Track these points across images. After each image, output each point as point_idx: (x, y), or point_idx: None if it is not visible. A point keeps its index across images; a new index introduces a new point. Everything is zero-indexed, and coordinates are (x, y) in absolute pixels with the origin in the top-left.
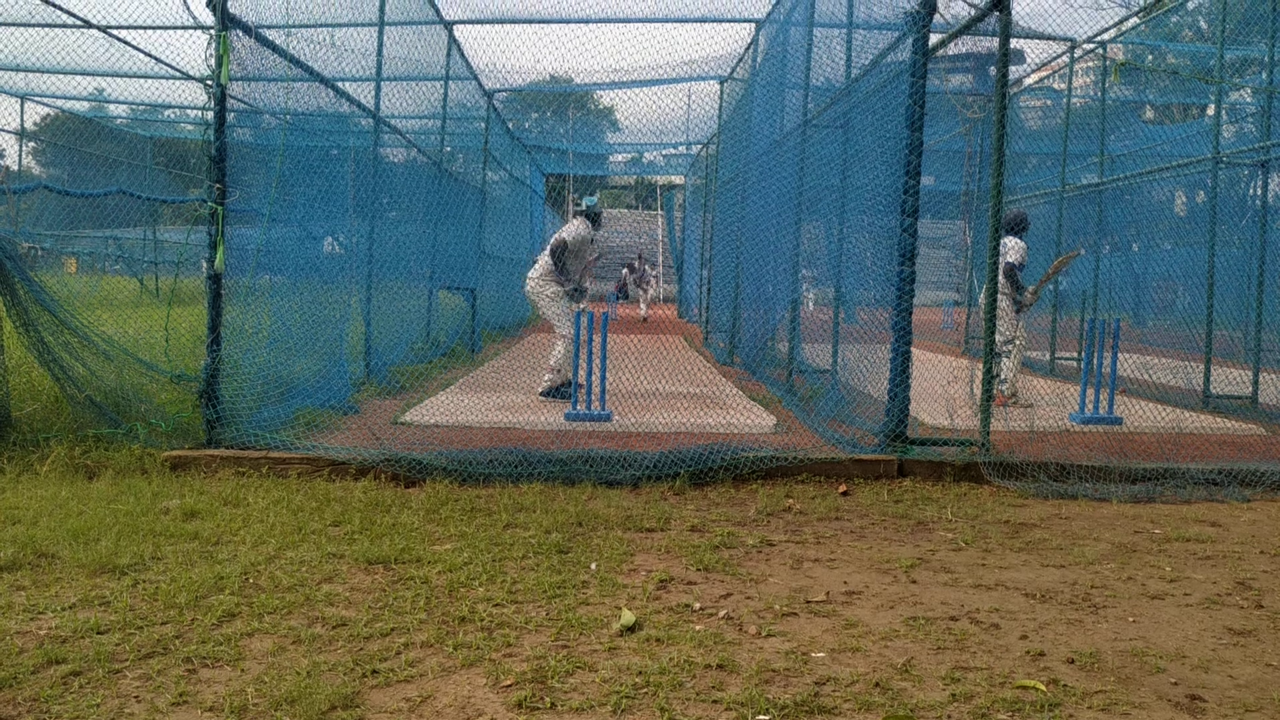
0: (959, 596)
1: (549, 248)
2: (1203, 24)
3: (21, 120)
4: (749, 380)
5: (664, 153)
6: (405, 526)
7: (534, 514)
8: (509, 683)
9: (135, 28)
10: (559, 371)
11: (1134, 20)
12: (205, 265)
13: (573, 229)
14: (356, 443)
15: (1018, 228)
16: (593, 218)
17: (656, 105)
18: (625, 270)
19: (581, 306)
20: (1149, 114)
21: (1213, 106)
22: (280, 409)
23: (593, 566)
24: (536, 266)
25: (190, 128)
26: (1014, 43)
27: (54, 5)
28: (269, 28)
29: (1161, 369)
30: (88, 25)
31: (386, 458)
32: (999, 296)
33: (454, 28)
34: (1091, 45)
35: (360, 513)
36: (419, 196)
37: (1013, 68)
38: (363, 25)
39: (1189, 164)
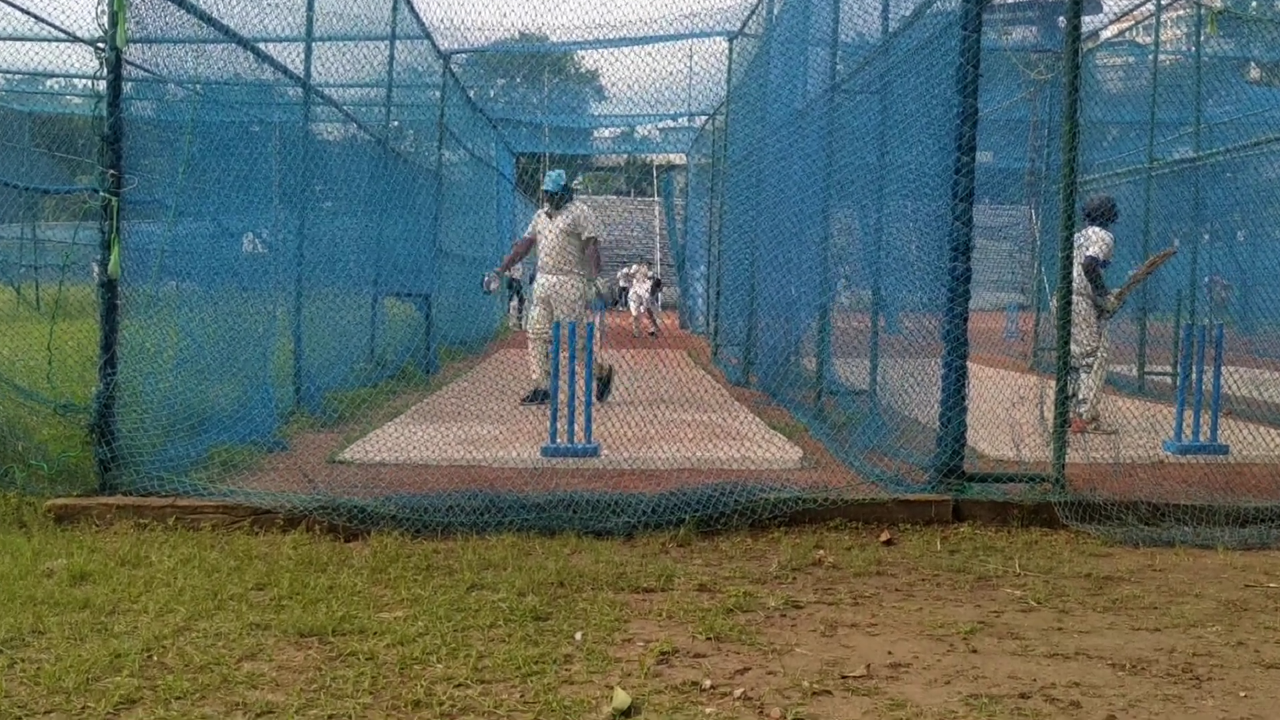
0: (1030, 668)
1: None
2: None
3: None
4: (768, 404)
5: (661, 126)
6: (345, 589)
7: (504, 572)
8: None
9: None
10: None
11: None
12: (97, 269)
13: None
14: (285, 487)
15: (1104, 216)
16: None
17: (651, 68)
18: (620, 274)
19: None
20: (1254, 73)
21: None
22: (191, 446)
23: (578, 636)
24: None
25: (78, 101)
26: None
27: None
28: None
29: (1277, 385)
30: None
31: (322, 505)
32: (1076, 299)
33: None
34: None
35: (290, 573)
36: (360, 182)
37: (1087, 17)
38: None
39: None
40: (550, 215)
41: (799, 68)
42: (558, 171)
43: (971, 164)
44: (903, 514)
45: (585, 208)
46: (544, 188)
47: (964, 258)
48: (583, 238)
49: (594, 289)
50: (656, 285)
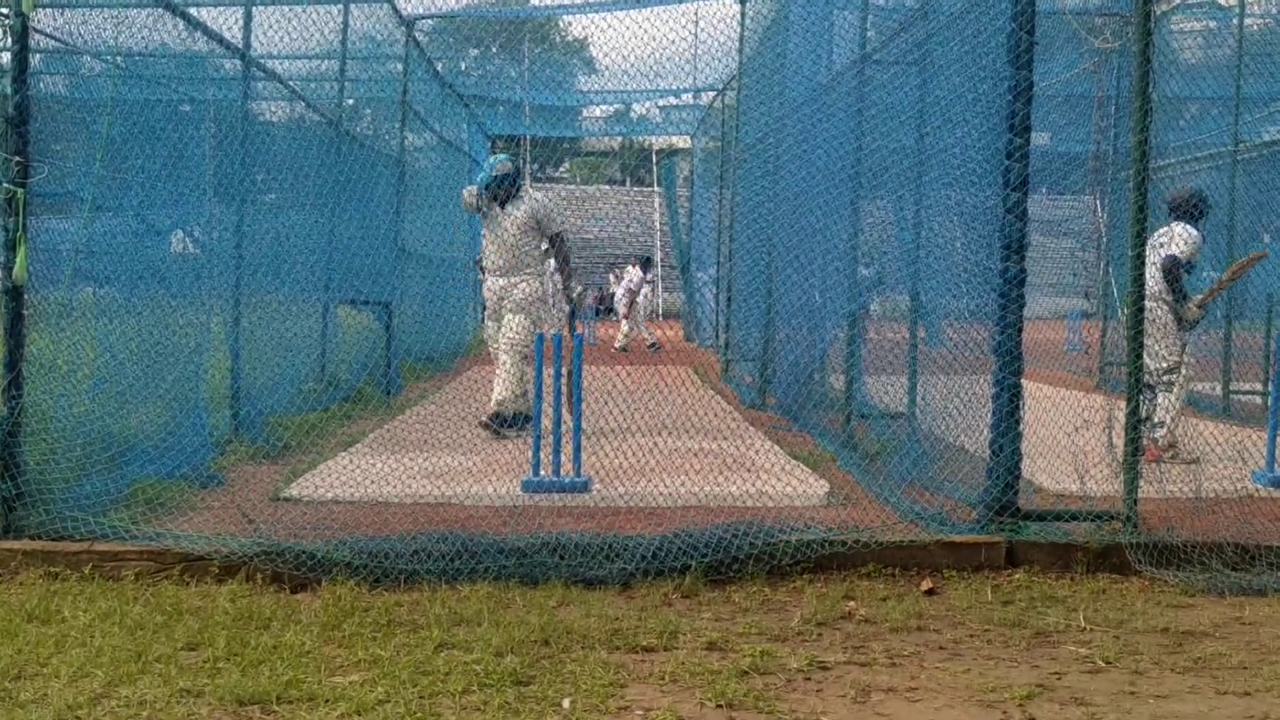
0: None
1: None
2: None
3: None
4: (789, 430)
5: (661, 104)
6: (292, 649)
7: (479, 629)
8: None
9: None
10: None
11: None
12: None
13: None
14: (221, 529)
15: (1191, 212)
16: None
17: (650, 36)
18: (611, 276)
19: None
20: None
21: None
22: (110, 480)
23: (565, 704)
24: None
25: None
26: None
27: None
28: None
29: None
30: None
31: (264, 550)
32: (1153, 305)
33: None
34: None
35: (226, 630)
36: (309, 171)
37: None
38: None
39: None
40: (501, 204)
41: (823, 35)
42: (497, 157)
43: (1026, 147)
44: (947, 558)
45: (543, 197)
46: (478, 179)
47: (1017, 257)
48: (549, 233)
49: (572, 296)
50: (646, 263)
